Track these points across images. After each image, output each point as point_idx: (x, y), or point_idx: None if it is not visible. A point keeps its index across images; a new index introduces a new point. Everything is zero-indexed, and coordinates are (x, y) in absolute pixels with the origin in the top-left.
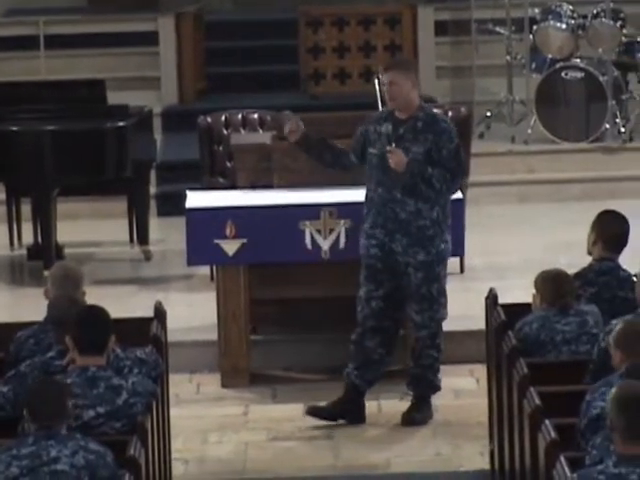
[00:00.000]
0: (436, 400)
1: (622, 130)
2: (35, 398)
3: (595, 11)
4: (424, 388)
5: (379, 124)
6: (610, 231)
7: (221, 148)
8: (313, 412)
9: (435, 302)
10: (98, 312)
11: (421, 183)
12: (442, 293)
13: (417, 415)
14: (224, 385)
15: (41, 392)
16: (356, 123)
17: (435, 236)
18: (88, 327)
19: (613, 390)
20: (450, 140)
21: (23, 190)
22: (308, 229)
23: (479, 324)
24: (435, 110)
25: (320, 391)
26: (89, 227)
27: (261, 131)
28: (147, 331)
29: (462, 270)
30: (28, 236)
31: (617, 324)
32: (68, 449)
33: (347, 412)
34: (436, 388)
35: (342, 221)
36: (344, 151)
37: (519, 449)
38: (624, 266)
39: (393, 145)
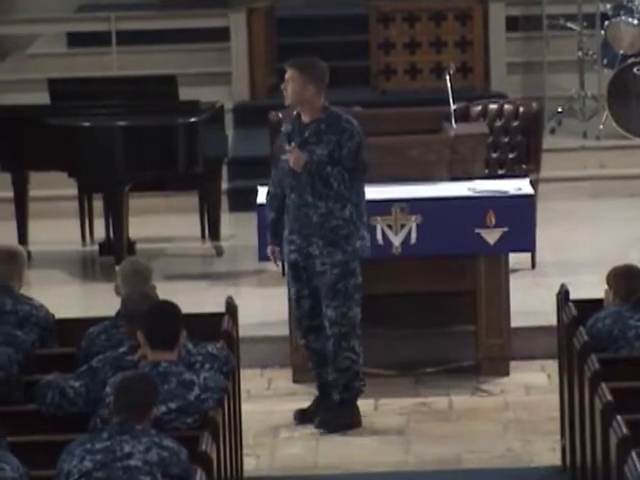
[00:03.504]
0: (507, 396)
1: None
2: (124, 390)
3: None
4: (343, 392)
5: (287, 130)
6: None
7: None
8: (300, 417)
9: (349, 299)
10: (170, 308)
11: (318, 182)
12: (357, 290)
13: (334, 418)
14: (295, 380)
15: (131, 385)
16: (426, 119)
17: (350, 235)
18: (160, 323)
19: None
20: (350, 138)
21: (95, 186)
22: (379, 224)
23: (550, 320)
24: (338, 111)
25: (389, 386)
26: (160, 223)
27: None
28: (218, 326)
29: (533, 266)
30: (100, 232)
31: None
32: (142, 445)
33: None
34: (357, 391)
35: (413, 217)
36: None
37: (590, 445)
38: None
39: (292, 144)
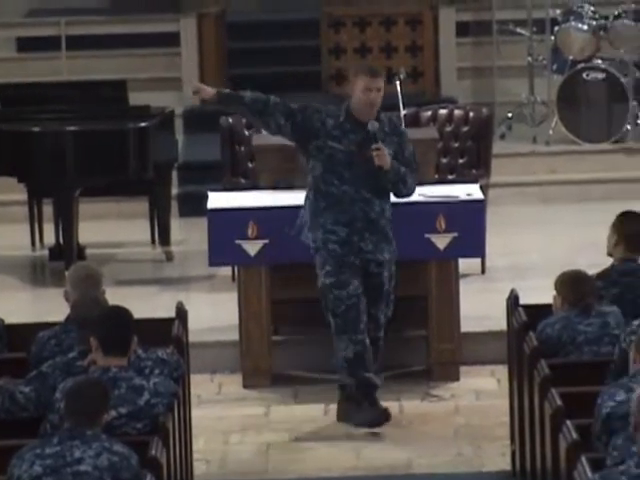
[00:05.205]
0: (458, 401)
1: None
2: (75, 396)
3: (617, 12)
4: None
5: (337, 118)
6: (632, 231)
7: (243, 149)
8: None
9: (391, 300)
10: (123, 313)
11: (400, 182)
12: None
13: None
14: (245, 385)
15: (82, 390)
16: None
17: (392, 235)
18: (113, 328)
19: (639, 390)
20: (409, 140)
21: (45, 191)
22: None
23: (500, 325)
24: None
25: None
26: (110, 228)
27: None
28: (168, 331)
29: (483, 271)
30: (50, 237)
31: (639, 325)
32: (92, 450)
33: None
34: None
35: None
36: (265, 112)
37: (540, 450)
38: None
39: (379, 143)
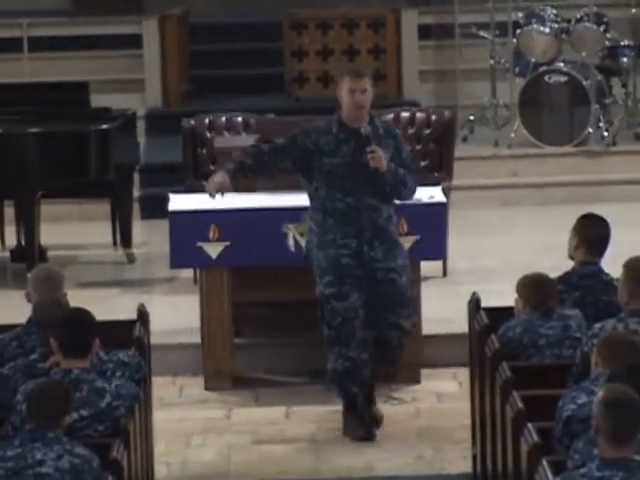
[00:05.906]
0: (419, 404)
1: (605, 134)
2: (37, 397)
3: (579, 15)
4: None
5: (330, 132)
6: (593, 234)
7: (205, 151)
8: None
9: (414, 306)
10: (83, 315)
11: (400, 184)
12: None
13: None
14: (207, 388)
15: (44, 392)
16: None
17: (400, 241)
18: (73, 330)
19: (601, 393)
20: (403, 142)
21: (6, 192)
22: (291, 232)
23: (462, 328)
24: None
25: (301, 394)
26: (72, 230)
27: (245, 134)
28: (130, 334)
29: (445, 274)
30: (11, 238)
31: (601, 328)
32: (54, 452)
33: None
34: None
35: None
36: (268, 164)
37: (502, 453)
38: (606, 270)
39: (374, 146)
